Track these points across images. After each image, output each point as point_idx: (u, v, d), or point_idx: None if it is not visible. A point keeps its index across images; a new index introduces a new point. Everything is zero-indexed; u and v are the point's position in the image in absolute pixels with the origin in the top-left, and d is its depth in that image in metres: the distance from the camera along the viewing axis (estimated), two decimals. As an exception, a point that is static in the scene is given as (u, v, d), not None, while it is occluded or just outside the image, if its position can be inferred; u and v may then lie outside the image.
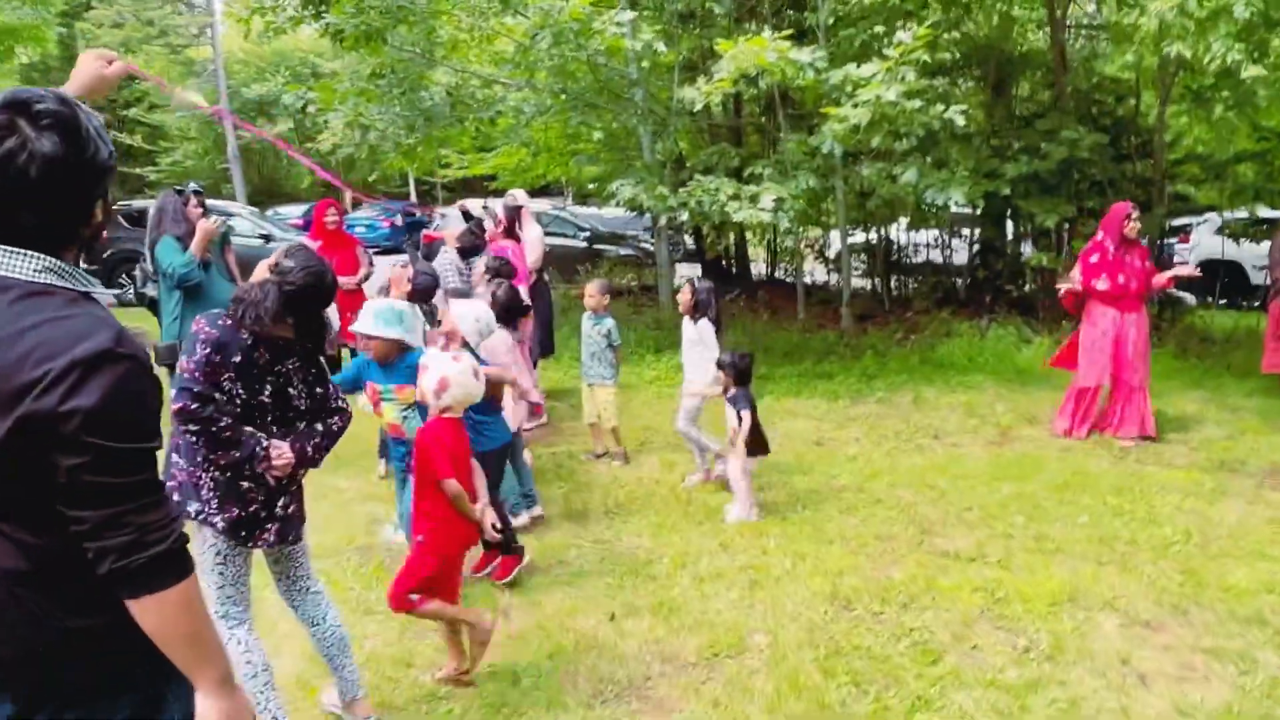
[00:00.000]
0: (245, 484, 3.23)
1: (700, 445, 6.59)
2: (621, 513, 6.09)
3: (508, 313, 5.60)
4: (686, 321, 6.55)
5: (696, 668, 4.17)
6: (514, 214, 8.09)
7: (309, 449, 3.34)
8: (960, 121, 8.07)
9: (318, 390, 3.42)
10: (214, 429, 3.07)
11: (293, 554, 3.56)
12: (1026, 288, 11.80)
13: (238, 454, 3.13)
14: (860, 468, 6.88)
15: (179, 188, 6.64)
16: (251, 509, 3.27)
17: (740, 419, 5.88)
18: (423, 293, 5.70)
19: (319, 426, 3.40)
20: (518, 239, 8.05)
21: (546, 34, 8.59)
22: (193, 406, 3.04)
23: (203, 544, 3.25)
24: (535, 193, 18.32)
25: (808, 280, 13.76)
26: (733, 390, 5.98)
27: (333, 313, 5.33)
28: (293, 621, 3.77)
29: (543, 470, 6.90)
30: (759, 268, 15.48)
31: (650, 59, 10.70)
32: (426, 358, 4.08)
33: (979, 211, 12.30)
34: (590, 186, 13.40)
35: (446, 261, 7.21)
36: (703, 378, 6.41)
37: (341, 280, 8.72)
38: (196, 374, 3.09)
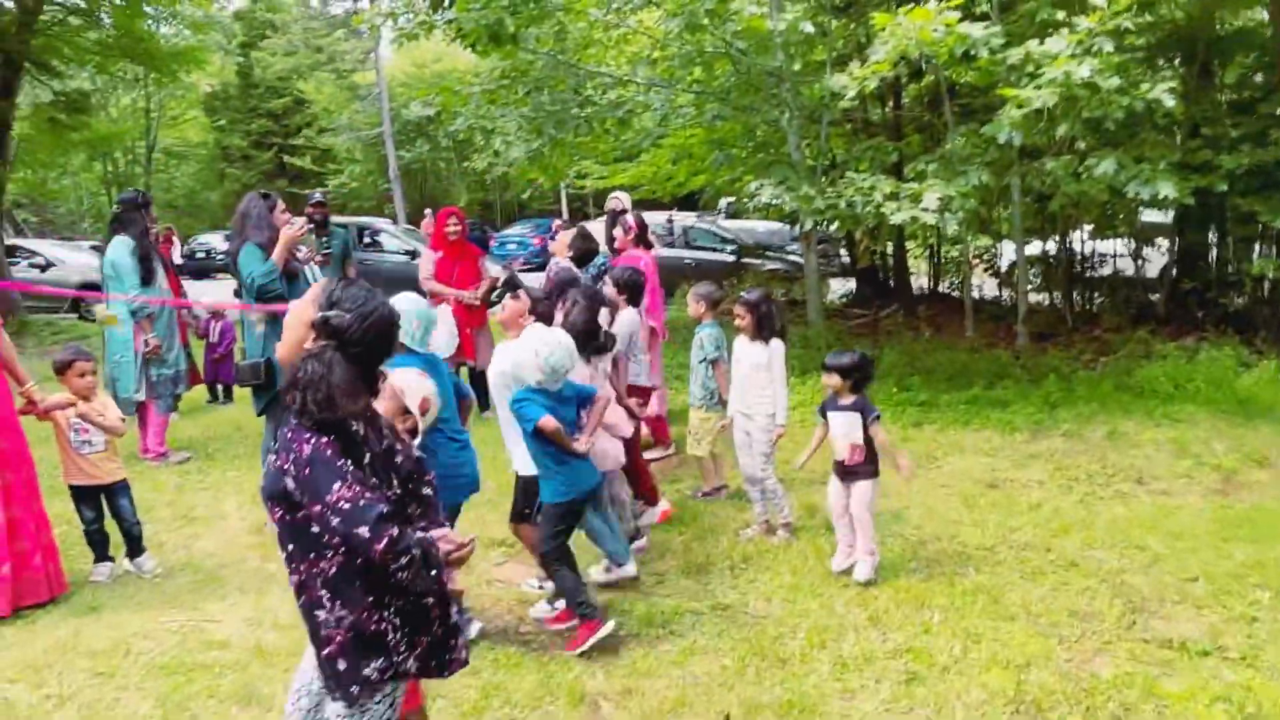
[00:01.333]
0: (428, 599, 2.50)
1: (773, 493, 5.48)
2: (750, 568, 5.10)
3: (583, 340, 4.68)
4: (744, 342, 5.46)
5: (833, 802, 3.15)
6: (616, 219, 7.24)
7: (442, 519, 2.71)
8: (1169, 103, 6.73)
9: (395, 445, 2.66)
10: (412, 551, 2.33)
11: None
12: (1241, 300, 10.09)
13: (433, 571, 2.43)
14: (1046, 519, 5.66)
15: (264, 193, 6.08)
16: (435, 629, 2.54)
17: (868, 427, 4.82)
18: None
19: (426, 491, 2.69)
20: (650, 246, 7.19)
21: (679, 20, 7.70)
22: (395, 532, 2.29)
23: (362, 715, 2.47)
24: (682, 204, 17.51)
25: (975, 295, 12.38)
26: (850, 397, 4.89)
27: (453, 329, 4.63)
28: None
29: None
30: (919, 281, 14.15)
31: (799, 50, 9.70)
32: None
33: (1174, 216, 10.69)
34: (731, 188, 12.33)
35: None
36: (766, 409, 5.36)
37: (463, 294, 8.11)
38: (367, 492, 2.32)
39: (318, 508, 2.30)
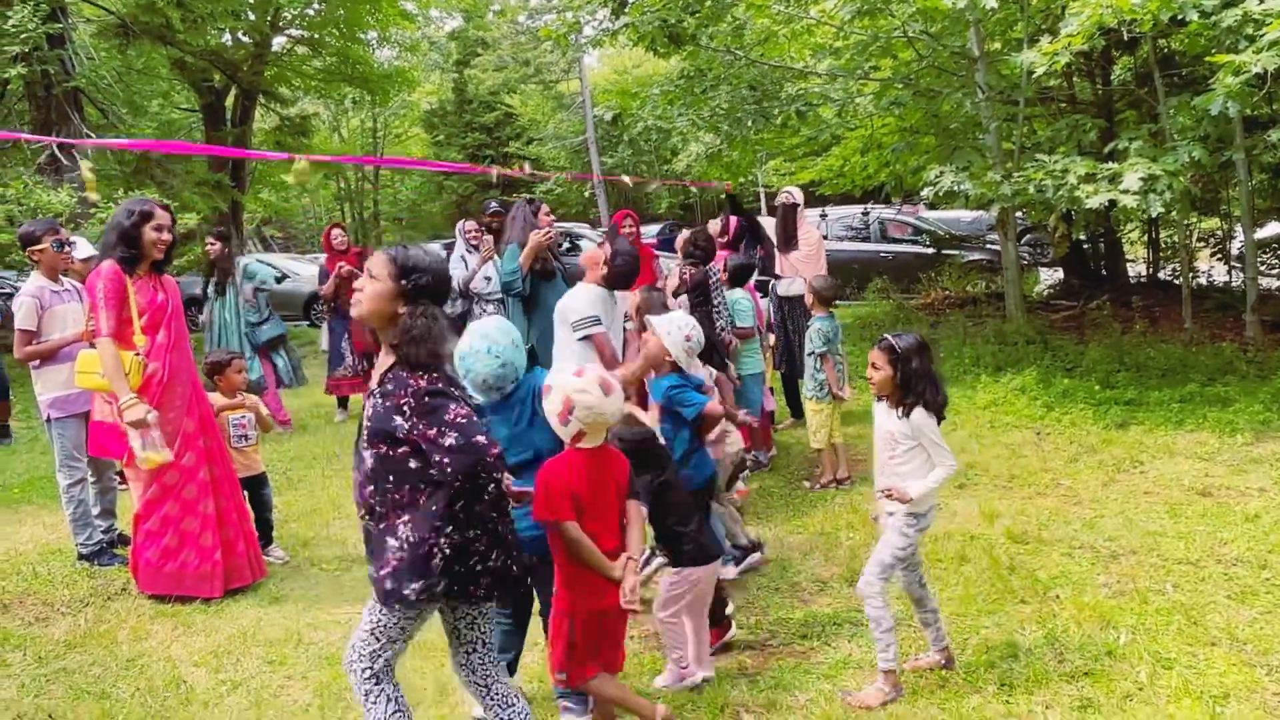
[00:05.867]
0: (473, 532, 2.82)
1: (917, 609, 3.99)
2: (920, 578, 4.82)
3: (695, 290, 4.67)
4: (882, 409, 3.83)
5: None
6: (788, 214, 7.05)
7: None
8: None
9: None
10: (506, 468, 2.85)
11: (489, 614, 3.01)
12: None
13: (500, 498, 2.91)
14: (1264, 532, 5.04)
15: (530, 197, 6.59)
16: (471, 561, 2.83)
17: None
18: (621, 277, 4.86)
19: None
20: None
21: (851, 7, 7.41)
22: (496, 451, 2.71)
23: (387, 615, 2.85)
24: (875, 195, 16.93)
25: (1202, 281, 11.29)
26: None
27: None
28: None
29: (835, 516, 5.78)
30: (1136, 268, 13.05)
31: (996, 27, 9.17)
32: (550, 376, 3.27)
33: None
34: (914, 177, 11.67)
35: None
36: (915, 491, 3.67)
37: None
38: (475, 415, 2.76)
39: (433, 431, 2.65)
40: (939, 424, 3.67)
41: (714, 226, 6.86)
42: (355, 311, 2.86)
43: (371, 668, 2.85)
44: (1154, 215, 6.95)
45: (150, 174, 13.86)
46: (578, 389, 3.10)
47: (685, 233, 6.53)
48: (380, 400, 2.76)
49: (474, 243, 8.38)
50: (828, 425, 6.34)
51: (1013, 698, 3.63)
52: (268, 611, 4.72)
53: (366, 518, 2.86)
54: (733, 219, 6.91)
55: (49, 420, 5.42)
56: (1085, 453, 6.67)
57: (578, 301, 4.84)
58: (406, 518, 2.75)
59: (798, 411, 7.65)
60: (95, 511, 5.55)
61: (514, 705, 3.00)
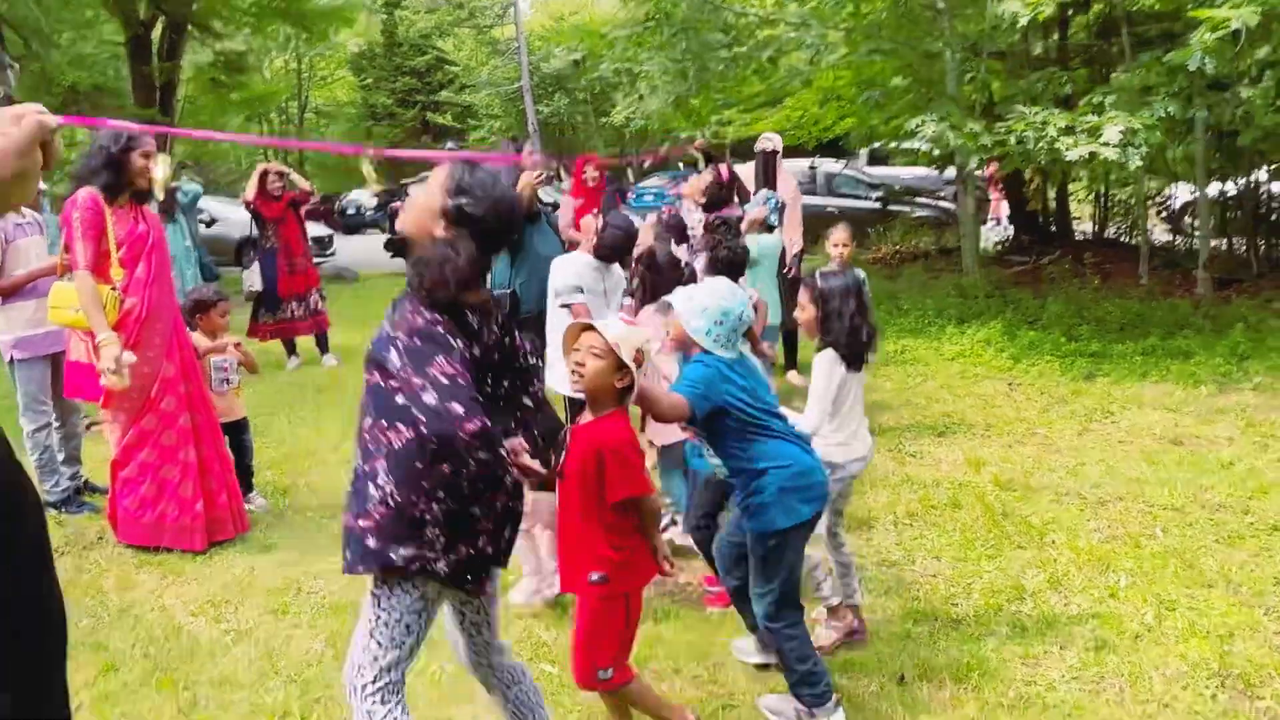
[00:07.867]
0: (476, 509, 2.39)
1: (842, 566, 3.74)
2: (916, 524, 4.88)
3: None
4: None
5: (1022, 774, 2.95)
6: (769, 160, 6.98)
7: (536, 437, 2.57)
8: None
9: (508, 346, 2.56)
10: (498, 450, 2.31)
11: (493, 600, 2.68)
12: None
13: (505, 477, 2.41)
14: (1240, 479, 5.20)
15: (513, 135, 6.27)
16: (480, 543, 2.43)
17: None
18: (610, 249, 4.79)
19: (526, 401, 2.59)
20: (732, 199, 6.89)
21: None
22: (487, 421, 2.22)
23: (388, 599, 2.40)
24: (826, 150, 16.95)
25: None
26: None
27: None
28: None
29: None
30: (1082, 226, 13.33)
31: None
32: (605, 331, 2.88)
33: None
34: (884, 129, 11.54)
35: (693, 222, 6.18)
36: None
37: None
38: (468, 374, 2.28)
39: (418, 380, 2.24)
40: (853, 372, 3.48)
41: (707, 177, 6.70)
42: (399, 223, 2.47)
43: (375, 682, 2.40)
44: (1132, 168, 7.03)
45: (78, 106, 13.17)
46: (645, 338, 2.79)
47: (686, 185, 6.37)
48: (387, 326, 2.39)
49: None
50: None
51: (1026, 639, 3.68)
52: (259, 560, 4.56)
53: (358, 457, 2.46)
54: (722, 167, 6.75)
55: (11, 362, 5.12)
56: (1056, 403, 6.80)
57: (563, 270, 4.76)
58: (385, 465, 2.34)
59: (792, 363, 7.63)
60: (60, 458, 5.28)
61: (522, 681, 2.74)
